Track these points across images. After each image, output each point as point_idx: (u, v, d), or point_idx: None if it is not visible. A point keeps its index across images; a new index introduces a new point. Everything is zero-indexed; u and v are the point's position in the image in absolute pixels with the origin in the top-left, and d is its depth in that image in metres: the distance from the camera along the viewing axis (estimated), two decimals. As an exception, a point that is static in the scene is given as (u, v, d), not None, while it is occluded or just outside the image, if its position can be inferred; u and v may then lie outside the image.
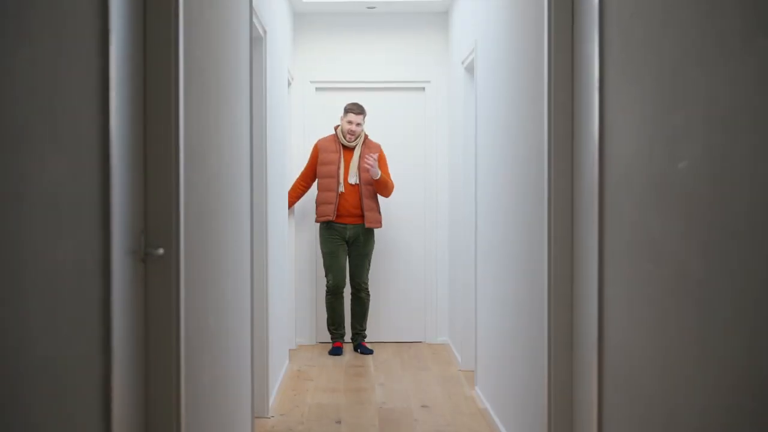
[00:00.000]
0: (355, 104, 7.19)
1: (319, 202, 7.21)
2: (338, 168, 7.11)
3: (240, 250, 4.20)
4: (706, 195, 2.02)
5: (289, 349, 7.32)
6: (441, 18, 7.82)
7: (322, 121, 7.78)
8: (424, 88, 7.88)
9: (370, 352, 7.30)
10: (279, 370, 6.10)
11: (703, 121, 2.04)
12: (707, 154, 2.01)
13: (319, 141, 7.31)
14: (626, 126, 2.55)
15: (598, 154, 2.77)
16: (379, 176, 7.04)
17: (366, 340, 7.51)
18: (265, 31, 5.16)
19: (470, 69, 6.50)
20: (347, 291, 7.54)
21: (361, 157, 7.11)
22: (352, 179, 7.11)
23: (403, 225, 7.76)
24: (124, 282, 2.48)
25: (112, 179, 2.09)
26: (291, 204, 7.36)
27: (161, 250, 2.64)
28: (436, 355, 7.28)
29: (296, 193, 7.36)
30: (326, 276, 7.30)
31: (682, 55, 2.15)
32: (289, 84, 7.53)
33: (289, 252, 7.39)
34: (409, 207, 7.76)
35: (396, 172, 7.70)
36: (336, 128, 7.27)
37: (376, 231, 7.48)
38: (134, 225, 2.59)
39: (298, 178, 7.39)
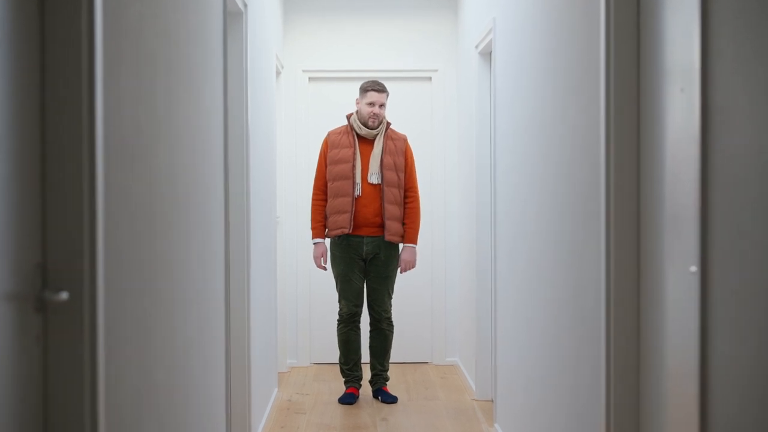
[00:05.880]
0: (375, 81, 5.79)
1: (330, 212, 5.65)
2: (353, 166, 5.62)
3: (209, 270, 3.37)
4: None
5: (279, 372, 6.47)
6: (449, -1, 6.97)
7: (316, 114, 6.94)
8: (430, 78, 7.02)
9: (394, 400, 5.69)
10: (266, 402, 5.26)
11: None
12: None
13: (328, 134, 5.80)
14: (751, 110, 1.71)
15: (700, 154, 1.93)
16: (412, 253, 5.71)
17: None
18: (245, 5, 4.32)
19: (486, 54, 5.65)
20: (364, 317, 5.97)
21: (384, 151, 5.66)
22: (373, 178, 5.60)
23: (407, 231, 6.87)
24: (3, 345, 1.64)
25: None
26: (320, 230, 5.71)
27: (64, 294, 1.80)
28: (445, 379, 6.42)
29: (321, 214, 5.72)
30: (339, 302, 5.79)
31: None
32: (279, 73, 6.69)
33: (282, 263, 6.53)
34: (414, 211, 6.86)
35: (399, 172, 6.80)
36: (348, 116, 5.79)
37: (401, 247, 5.79)
38: (23, 258, 1.76)
39: (313, 192, 5.77)
